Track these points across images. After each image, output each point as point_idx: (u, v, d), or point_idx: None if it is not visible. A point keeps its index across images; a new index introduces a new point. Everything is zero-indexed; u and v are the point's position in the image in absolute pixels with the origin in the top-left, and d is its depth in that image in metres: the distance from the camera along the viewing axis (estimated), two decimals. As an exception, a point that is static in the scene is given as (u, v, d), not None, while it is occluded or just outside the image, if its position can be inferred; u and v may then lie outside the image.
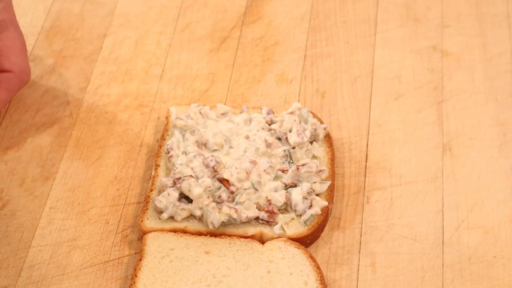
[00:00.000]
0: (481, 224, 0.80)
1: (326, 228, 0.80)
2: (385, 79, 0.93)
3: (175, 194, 0.79)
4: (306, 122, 0.85)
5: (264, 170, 0.80)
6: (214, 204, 0.78)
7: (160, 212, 0.79)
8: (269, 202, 0.79)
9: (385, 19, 0.99)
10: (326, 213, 0.79)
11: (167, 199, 0.79)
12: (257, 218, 0.79)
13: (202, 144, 0.82)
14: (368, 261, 0.78)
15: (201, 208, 0.78)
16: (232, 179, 0.79)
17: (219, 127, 0.84)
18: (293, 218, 0.79)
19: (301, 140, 0.82)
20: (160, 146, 0.85)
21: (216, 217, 0.77)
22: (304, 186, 0.80)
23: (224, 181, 0.79)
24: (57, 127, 0.89)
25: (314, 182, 0.81)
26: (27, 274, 0.77)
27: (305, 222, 0.79)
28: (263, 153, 0.82)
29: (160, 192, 0.80)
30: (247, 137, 0.83)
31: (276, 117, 0.86)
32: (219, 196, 0.78)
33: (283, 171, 0.81)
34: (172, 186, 0.80)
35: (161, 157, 0.84)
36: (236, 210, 0.78)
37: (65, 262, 0.78)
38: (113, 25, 0.99)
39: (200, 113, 0.85)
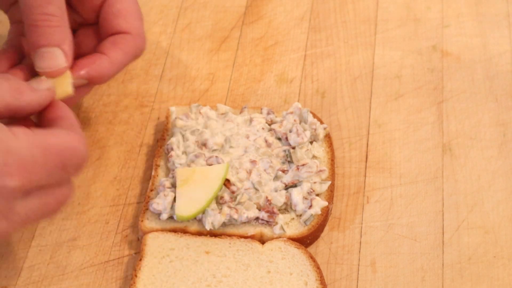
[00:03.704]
0: (481, 224, 0.80)
1: (326, 228, 0.80)
2: (385, 79, 0.93)
3: (172, 194, 0.79)
4: (306, 122, 0.85)
5: (264, 170, 0.80)
6: (214, 205, 0.78)
7: (158, 214, 0.79)
8: (269, 202, 0.79)
9: (385, 19, 0.99)
10: (326, 213, 0.79)
11: (164, 200, 0.79)
12: (257, 218, 0.79)
13: (202, 144, 0.82)
14: (368, 261, 0.78)
15: (201, 208, 0.78)
16: (233, 179, 0.79)
17: (219, 127, 0.84)
18: (293, 218, 0.79)
19: (301, 140, 0.82)
20: (160, 146, 0.85)
21: (217, 218, 0.77)
22: (304, 186, 0.80)
23: (225, 181, 0.79)
24: (57, 127, 0.89)
25: (314, 182, 0.81)
26: (27, 274, 0.77)
27: (305, 222, 0.79)
28: (263, 153, 0.82)
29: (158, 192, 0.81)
30: (247, 137, 0.83)
31: (276, 117, 0.86)
32: (221, 197, 0.78)
33: (283, 171, 0.81)
34: (170, 187, 0.80)
35: (161, 157, 0.84)
36: (236, 210, 0.78)
37: (65, 262, 0.78)
38: (113, 25, 0.99)
39: (200, 113, 0.85)
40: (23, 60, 0.79)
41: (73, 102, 0.77)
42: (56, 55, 0.73)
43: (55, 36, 0.73)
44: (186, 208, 0.77)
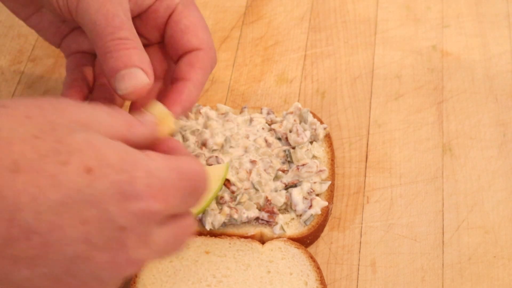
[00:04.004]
0: (481, 224, 0.80)
1: (326, 228, 0.80)
2: (385, 79, 0.93)
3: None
4: (306, 122, 0.85)
5: (264, 170, 0.80)
6: (214, 205, 0.78)
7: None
8: (269, 202, 0.79)
9: (385, 19, 0.99)
10: (326, 213, 0.79)
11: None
12: (257, 218, 0.79)
13: (202, 144, 0.82)
14: (368, 261, 0.78)
15: (201, 208, 0.78)
16: (233, 179, 0.79)
17: (219, 127, 0.84)
18: (293, 218, 0.79)
19: (301, 140, 0.82)
20: (160, 146, 0.85)
21: (217, 218, 0.77)
22: (304, 186, 0.80)
23: (225, 181, 0.79)
24: (57, 127, 0.89)
25: (314, 182, 0.81)
26: (27, 274, 0.77)
27: (305, 222, 0.79)
28: (263, 153, 0.82)
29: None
30: (247, 137, 0.83)
31: (276, 117, 0.86)
32: (221, 197, 0.78)
33: (283, 171, 0.81)
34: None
35: (161, 157, 0.84)
36: (236, 210, 0.78)
37: (65, 262, 0.78)
38: (113, 25, 0.99)
39: (200, 113, 0.85)
40: (90, 93, 0.78)
41: None
42: (136, 74, 0.71)
43: (132, 58, 0.71)
44: None
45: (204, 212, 0.78)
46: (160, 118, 0.69)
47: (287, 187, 0.80)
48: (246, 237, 0.78)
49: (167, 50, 0.79)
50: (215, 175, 0.78)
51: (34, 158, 0.54)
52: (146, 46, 0.78)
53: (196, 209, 0.73)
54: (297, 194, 0.79)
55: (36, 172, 0.54)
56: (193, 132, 0.84)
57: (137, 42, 0.72)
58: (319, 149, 0.84)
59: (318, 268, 0.76)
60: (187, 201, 0.61)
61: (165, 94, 0.75)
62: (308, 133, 0.83)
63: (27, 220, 0.53)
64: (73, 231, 0.55)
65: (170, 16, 0.77)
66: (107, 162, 0.56)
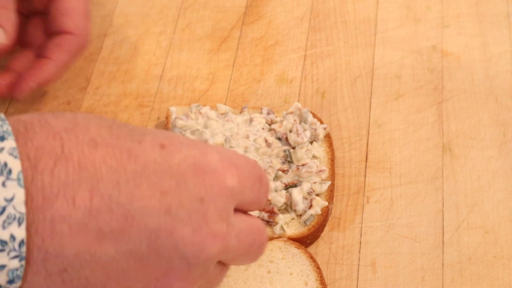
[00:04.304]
0: (481, 224, 0.80)
1: (326, 228, 0.80)
2: (385, 79, 0.93)
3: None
4: (306, 122, 0.85)
5: (264, 170, 0.80)
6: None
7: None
8: (269, 202, 0.79)
9: (385, 19, 0.99)
10: (326, 213, 0.79)
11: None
12: (257, 218, 0.79)
13: (202, 144, 0.82)
14: (368, 261, 0.78)
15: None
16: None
17: (219, 127, 0.84)
18: (293, 218, 0.79)
19: (301, 140, 0.82)
20: (160, 146, 0.85)
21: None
22: (304, 186, 0.80)
23: (224, 181, 0.79)
24: (57, 127, 0.89)
25: (314, 182, 0.81)
26: (27, 274, 0.77)
27: (305, 222, 0.79)
28: (263, 153, 0.82)
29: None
30: (247, 137, 0.83)
31: (276, 117, 0.86)
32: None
33: (283, 171, 0.81)
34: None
35: (161, 157, 0.84)
36: (236, 210, 0.78)
37: (65, 262, 0.78)
38: (113, 25, 0.99)
39: (200, 113, 0.85)
40: None
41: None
42: None
43: None
44: None
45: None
46: None
47: (287, 187, 0.80)
48: (246, 237, 0.78)
49: (47, 24, 0.85)
50: None
51: (111, 137, 0.56)
52: (33, 13, 0.87)
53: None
54: (297, 194, 0.79)
55: (112, 147, 0.55)
56: (193, 132, 0.84)
57: (8, 2, 0.79)
58: (319, 149, 0.84)
59: (318, 268, 0.76)
60: (257, 194, 0.61)
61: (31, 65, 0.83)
62: (308, 133, 0.83)
63: (107, 190, 0.54)
64: (153, 202, 0.55)
65: None
66: (178, 141, 0.58)
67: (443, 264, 0.78)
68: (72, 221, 0.53)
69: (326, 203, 0.79)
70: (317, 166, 0.81)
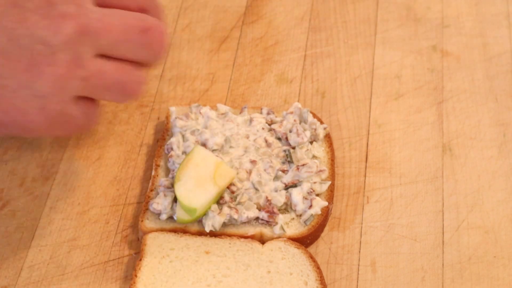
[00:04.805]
0: (481, 224, 0.80)
1: (326, 228, 0.80)
2: (385, 79, 0.93)
3: (171, 195, 0.79)
4: (306, 122, 0.85)
5: (264, 170, 0.80)
6: (214, 205, 0.78)
7: (158, 214, 0.79)
8: (269, 202, 0.79)
9: (385, 19, 0.99)
10: (326, 213, 0.79)
11: (164, 200, 0.79)
12: (257, 218, 0.79)
13: (202, 144, 0.82)
14: (368, 261, 0.78)
15: (201, 208, 0.78)
16: (233, 179, 0.79)
17: (219, 127, 0.84)
18: (293, 218, 0.79)
19: (301, 140, 0.82)
20: (160, 146, 0.85)
21: (216, 220, 0.77)
22: (304, 186, 0.80)
23: (224, 181, 0.79)
24: (57, 127, 0.89)
25: (314, 182, 0.81)
26: (27, 274, 0.77)
27: (305, 222, 0.79)
28: (263, 153, 0.82)
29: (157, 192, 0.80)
30: (247, 137, 0.83)
31: (276, 117, 0.86)
32: (222, 198, 0.78)
33: (283, 171, 0.81)
34: (170, 187, 0.80)
35: (161, 157, 0.84)
36: (236, 211, 0.78)
37: (65, 262, 0.78)
38: (113, 25, 0.99)
39: (200, 113, 0.85)
40: None
41: None
42: None
43: None
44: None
45: (205, 214, 0.78)
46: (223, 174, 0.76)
47: (287, 187, 0.80)
48: (246, 237, 0.78)
49: None
50: (220, 174, 0.78)
51: None
52: None
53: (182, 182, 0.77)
54: (297, 194, 0.79)
55: None
56: (193, 132, 0.84)
57: None
58: (319, 149, 0.84)
59: (318, 268, 0.76)
60: (138, 51, 0.68)
61: None
62: (308, 133, 0.83)
63: None
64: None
65: None
66: None
67: (443, 264, 0.78)
68: None
69: (326, 203, 0.79)
70: (317, 166, 0.81)
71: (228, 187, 0.79)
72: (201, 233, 0.78)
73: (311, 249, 0.79)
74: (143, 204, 0.81)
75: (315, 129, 0.84)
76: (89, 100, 0.70)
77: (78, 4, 0.64)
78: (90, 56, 0.66)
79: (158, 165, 0.83)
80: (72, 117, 0.68)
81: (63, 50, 0.64)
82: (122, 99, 0.71)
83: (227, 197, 0.79)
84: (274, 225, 0.78)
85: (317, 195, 0.81)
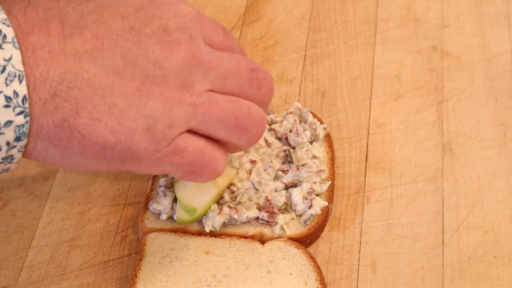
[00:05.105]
0: (481, 224, 0.80)
1: (326, 228, 0.80)
2: (385, 79, 0.93)
3: (171, 195, 0.79)
4: (306, 122, 0.85)
5: (264, 170, 0.80)
6: (214, 205, 0.78)
7: (158, 214, 0.79)
8: (269, 202, 0.79)
9: (385, 19, 0.99)
10: (326, 213, 0.79)
11: (164, 200, 0.79)
12: (257, 218, 0.79)
13: (202, 144, 0.82)
14: (368, 261, 0.78)
15: (201, 208, 0.78)
16: (233, 179, 0.79)
17: (219, 127, 0.84)
18: (293, 218, 0.79)
19: (301, 140, 0.82)
20: (160, 146, 0.85)
21: (216, 220, 0.77)
22: (304, 186, 0.80)
23: (224, 181, 0.79)
24: (57, 127, 0.89)
25: (314, 182, 0.81)
26: (27, 274, 0.77)
27: (305, 222, 0.79)
28: (263, 153, 0.82)
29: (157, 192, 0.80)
30: (247, 137, 0.83)
31: (276, 117, 0.86)
32: (222, 197, 0.78)
33: (283, 171, 0.81)
34: (170, 187, 0.80)
35: (161, 157, 0.84)
36: (236, 210, 0.78)
37: (65, 262, 0.78)
38: (113, 25, 0.99)
39: (200, 113, 0.85)
40: None
41: None
42: None
43: None
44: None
45: (205, 214, 0.78)
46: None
47: (287, 187, 0.80)
48: (246, 237, 0.78)
49: None
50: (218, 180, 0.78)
51: None
52: None
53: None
54: (297, 194, 0.79)
55: None
56: (193, 132, 0.83)
57: None
58: (319, 149, 0.84)
59: (318, 268, 0.76)
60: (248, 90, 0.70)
61: None
62: (308, 133, 0.83)
63: (75, 20, 0.62)
64: (117, 23, 0.63)
65: None
66: None
67: (443, 264, 0.78)
68: (51, 47, 0.61)
69: (326, 203, 0.79)
70: (317, 166, 0.81)
71: (228, 187, 0.79)
72: (201, 233, 0.78)
73: (311, 249, 0.79)
74: (143, 204, 0.81)
75: (315, 129, 0.84)
76: (210, 142, 0.67)
77: (192, 36, 0.65)
78: (201, 86, 0.65)
79: (158, 165, 0.83)
80: (183, 151, 0.66)
81: (175, 73, 0.64)
82: (239, 137, 0.69)
83: (227, 197, 0.79)
84: (274, 225, 0.78)
85: (317, 195, 0.81)
